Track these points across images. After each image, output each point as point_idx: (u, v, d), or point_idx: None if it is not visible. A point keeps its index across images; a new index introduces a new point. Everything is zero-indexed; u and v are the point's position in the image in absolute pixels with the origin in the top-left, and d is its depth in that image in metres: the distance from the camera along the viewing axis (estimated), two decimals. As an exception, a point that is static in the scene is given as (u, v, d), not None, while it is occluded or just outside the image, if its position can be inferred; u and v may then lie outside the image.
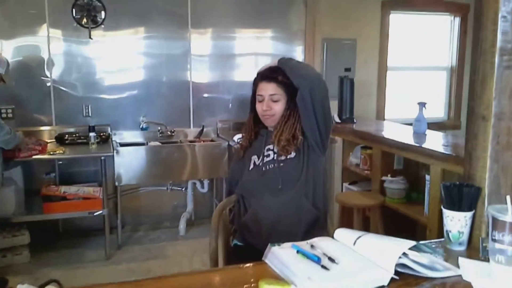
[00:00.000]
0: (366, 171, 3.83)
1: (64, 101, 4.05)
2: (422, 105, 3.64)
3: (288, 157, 1.95)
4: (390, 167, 3.61)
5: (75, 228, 4.13)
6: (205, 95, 4.45)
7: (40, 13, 3.88)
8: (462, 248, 1.45)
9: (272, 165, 1.96)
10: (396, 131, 3.91)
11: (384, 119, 5.00)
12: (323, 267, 1.23)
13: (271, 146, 2.01)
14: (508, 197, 1.23)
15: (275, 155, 1.97)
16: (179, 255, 3.79)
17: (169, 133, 4.27)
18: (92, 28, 4.00)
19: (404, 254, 1.26)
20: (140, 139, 4.22)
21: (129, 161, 3.78)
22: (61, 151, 3.53)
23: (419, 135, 3.58)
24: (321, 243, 1.40)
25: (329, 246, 1.37)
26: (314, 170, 1.95)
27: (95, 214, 3.63)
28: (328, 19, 4.71)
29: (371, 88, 5.00)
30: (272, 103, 2.00)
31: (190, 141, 4.26)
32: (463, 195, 1.41)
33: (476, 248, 1.42)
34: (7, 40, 3.85)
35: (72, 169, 4.09)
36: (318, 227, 1.93)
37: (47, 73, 3.98)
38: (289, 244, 1.40)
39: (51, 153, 3.49)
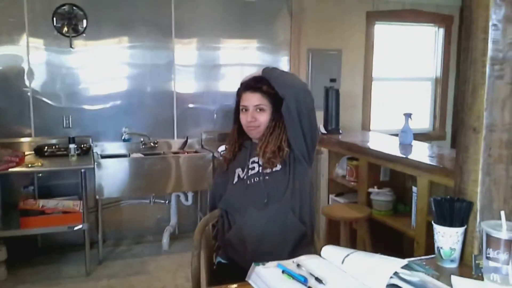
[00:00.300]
0: (352, 182, 3.78)
1: (44, 112, 3.93)
2: (408, 116, 3.62)
3: (273, 169, 1.88)
4: (377, 178, 3.57)
5: (54, 243, 3.99)
6: (190, 105, 4.38)
7: (19, 21, 3.78)
8: (454, 265, 1.39)
9: (257, 178, 1.89)
10: (382, 142, 3.88)
11: (369, 130, 4.97)
12: (310, 288, 1.17)
13: (255, 159, 1.94)
14: (502, 213, 1.18)
15: (260, 167, 1.90)
16: (162, 270, 3.68)
17: (152, 144, 4.18)
18: (73, 37, 3.91)
19: (395, 273, 1.20)
20: (122, 151, 4.12)
21: (110, 174, 3.68)
22: (39, 164, 3.41)
23: (405, 146, 3.54)
24: (307, 262, 1.33)
25: (316, 265, 1.30)
26: (301, 183, 1.88)
27: (75, 228, 3.50)
28: (313, 30, 4.69)
29: (357, 98, 4.97)
30: (257, 114, 1.93)
31: (174, 153, 4.17)
32: (454, 210, 1.36)
33: (468, 265, 1.37)
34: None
35: (52, 182, 3.96)
36: (305, 242, 1.86)
37: (27, 83, 3.87)
38: (274, 263, 1.33)
39: (29, 165, 3.37)
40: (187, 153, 4.14)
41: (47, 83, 3.94)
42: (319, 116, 4.32)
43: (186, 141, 4.30)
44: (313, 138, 1.90)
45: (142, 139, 4.16)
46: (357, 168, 3.67)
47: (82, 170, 3.51)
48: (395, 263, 1.18)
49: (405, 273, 1.27)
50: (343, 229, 3.19)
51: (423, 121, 5.40)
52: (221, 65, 4.44)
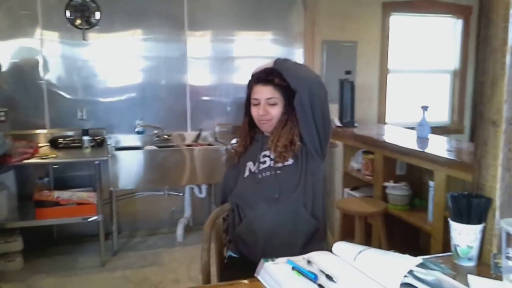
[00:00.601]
0: (367, 176, 3.72)
1: (59, 104, 3.96)
2: (424, 108, 3.54)
3: (285, 164, 1.84)
4: (393, 172, 3.51)
5: (70, 234, 4.03)
6: (203, 98, 4.36)
7: (33, 14, 3.80)
8: (472, 264, 1.34)
9: (269, 173, 1.85)
10: (398, 135, 3.81)
11: (385, 123, 4.90)
12: (320, 286, 1.13)
13: (267, 152, 1.90)
14: (522, 210, 1.13)
15: (272, 162, 1.87)
16: (176, 262, 3.68)
17: (165, 137, 4.18)
18: (86, 29, 3.91)
19: (410, 272, 1.16)
20: (136, 143, 4.13)
21: (124, 166, 3.68)
22: (53, 155, 3.43)
23: (422, 140, 3.47)
24: (318, 259, 1.30)
25: (327, 262, 1.27)
26: (313, 178, 1.84)
27: (89, 220, 3.52)
28: (328, 21, 4.61)
29: (372, 91, 4.90)
30: (269, 107, 1.88)
31: (187, 145, 4.16)
32: (472, 207, 1.31)
33: (487, 264, 1.32)
34: None
35: (67, 173, 3.99)
36: (317, 238, 1.82)
37: (41, 76, 3.89)
38: (284, 259, 1.30)
39: (43, 157, 3.38)
40: (201, 145, 4.13)
41: (62, 75, 3.95)
42: (334, 109, 4.32)
43: (200, 134, 4.29)
44: (326, 131, 1.86)
45: (155, 132, 4.16)
46: (372, 162, 3.62)
47: (96, 162, 3.52)
48: (410, 262, 1.14)
49: (420, 272, 1.23)
50: (357, 223, 3.14)
51: (441, 114, 5.30)
52: (234, 58, 4.40)
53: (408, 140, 3.47)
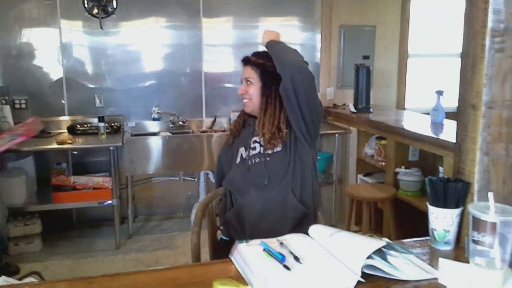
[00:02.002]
0: (380, 162, 3.69)
1: (77, 92, 4.06)
2: (439, 93, 3.47)
3: (274, 150, 1.85)
4: (405, 158, 3.46)
5: (89, 218, 4.17)
6: (218, 85, 4.39)
7: (52, 4, 3.89)
8: (449, 247, 1.33)
9: (258, 159, 1.87)
10: (414, 121, 3.75)
11: (404, 108, 4.82)
12: (285, 267, 1.15)
13: (257, 138, 1.92)
14: (490, 194, 1.12)
15: (262, 148, 1.89)
16: (189, 245, 3.68)
17: (181, 123, 4.23)
18: (103, 18, 3.98)
19: (379, 254, 1.16)
20: (152, 129, 4.20)
21: (139, 151, 3.76)
22: (70, 141, 3.53)
23: (436, 125, 3.40)
24: (291, 241, 1.32)
25: (299, 244, 1.29)
26: (302, 164, 1.85)
27: (104, 204, 3.63)
28: (345, 6, 4.54)
29: (391, 76, 4.82)
30: (247, 87, 1.94)
31: (202, 132, 4.21)
32: (448, 191, 1.30)
33: (464, 248, 1.31)
34: (20, 30, 3.88)
35: (85, 159, 4.11)
36: (306, 223, 1.82)
37: (60, 64, 3.99)
38: (258, 241, 1.33)
39: (60, 143, 3.50)
40: (215, 132, 4.16)
41: (80, 63, 4.05)
42: (350, 94, 4.28)
43: (215, 120, 4.33)
44: (314, 118, 1.83)
45: (171, 118, 4.23)
46: (385, 148, 3.58)
47: (111, 148, 3.61)
48: (374, 244, 1.14)
49: (393, 255, 1.23)
50: (365, 209, 3.13)
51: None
52: (249, 44, 4.38)
53: (422, 126, 3.41)
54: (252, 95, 1.92)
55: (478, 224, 1.10)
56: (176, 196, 4.41)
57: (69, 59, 4.02)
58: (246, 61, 1.96)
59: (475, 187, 1.31)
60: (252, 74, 1.92)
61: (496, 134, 1.28)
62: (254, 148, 1.90)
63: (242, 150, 1.94)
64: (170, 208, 4.40)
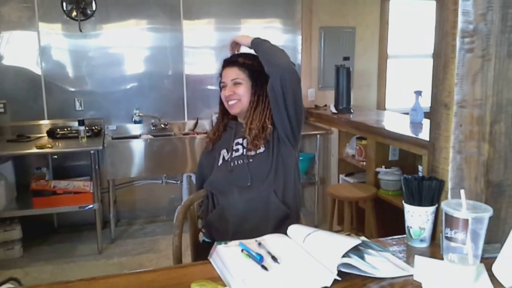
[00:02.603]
0: (361, 162, 3.73)
1: (56, 95, 4.02)
2: (418, 93, 3.52)
3: (257, 152, 1.85)
4: (385, 158, 3.50)
5: (70, 223, 4.12)
6: (200, 87, 4.38)
7: (30, 6, 3.85)
8: (424, 245, 1.36)
9: (241, 161, 1.87)
10: (394, 121, 3.79)
11: (385, 109, 4.87)
12: (263, 267, 1.16)
13: (240, 140, 1.92)
14: (462, 191, 1.14)
15: (244, 149, 1.88)
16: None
17: (162, 126, 4.22)
18: (82, 20, 3.95)
19: (356, 252, 1.18)
20: (134, 132, 4.18)
21: (120, 155, 3.74)
22: (49, 146, 3.50)
23: (415, 125, 3.46)
24: (269, 241, 1.33)
25: (277, 244, 1.30)
26: (285, 165, 1.86)
27: (85, 208, 3.60)
28: (325, 7, 4.59)
29: (371, 77, 4.87)
30: (235, 87, 1.88)
31: (185, 134, 4.20)
32: (423, 189, 1.32)
33: (439, 245, 1.33)
34: (-3, 34, 3.84)
35: (66, 163, 4.07)
36: (288, 224, 1.82)
37: (39, 67, 3.95)
38: (236, 242, 1.33)
39: (39, 147, 3.46)
40: (198, 134, 4.16)
41: (59, 67, 4.01)
42: (330, 95, 4.32)
43: (197, 123, 4.33)
44: (299, 119, 1.86)
45: (153, 121, 4.21)
46: (365, 148, 3.62)
47: (92, 152, 3.59)
48: (350, 243, 1.16)
49: (370, 253, 1.25)
50: (346, 208, 3.16)
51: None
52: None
53: (401, 126, 3.45)
54: (241, 95, 1.88)
55: (450, 221, 1.12)
56: (159, 199, 4.39)
57: (48, 62, 3.98)
58: (231, 62, 1.91)
59: (449, 184, 1.33)
60: (239, 74, 1.88)
61: (468, 132, 1.31)
62: (237, 150, 1.90)
63: (224, 152, 1.94)
64: (153, 211, 4.38)
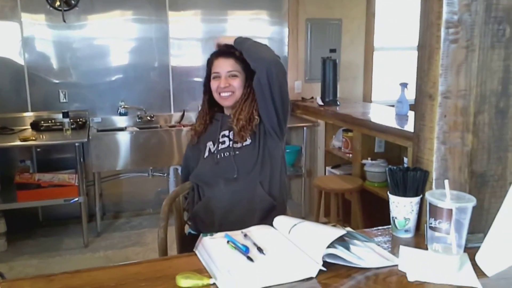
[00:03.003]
0: (348, 154, 3.75)
1: (40, 87, 3.96)
2: (404, 85, 3.54)
3: (244, 144, 1.85)
4: (371, 150, 3.52)
5: (56, 216, 4.08)
6: (186, 79, 4.35)
7: (12, -4, 3.78)
8: (409, 235, 1.37)
9: (227, 153, 1.86)
10: (380, 113, 3.81)
11: (371, 101, 4.89)
12: (249, 258, 1.16)
13: (226, 132, 1.91)
14: (446, 182, 1.15)
15: (231, 142, 1.88)
16: (159, 242, 3.72)
17: (148, 118, 4.19)
18: (65, 11, 3.89)
19: (342, 243, 1.19)
20: (119, 125, 4.14)
21: (105, 147, 3.71)
22: (33, 138, 3.45)
23: (401, 117, 3.47)
24: (255, 232, 1.33)
25: (263, 235, 1.30)
26: (271, 157, 1.86)
27: (71, 201, 3.57)
28: (312, -1, 4.58)
29: (358, 69, 4.88)
30: (231, 79, 1.87)
31: (171, 126, 4.18)
32: (407, 180, 1.33)
33: (424, 235, 1.34)
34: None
35: (50, 156, 4.02)
36: (274, 215, 1.82)
37: (22, 59, 3.88)
38: (222, 234, 1.33)
39: (23, 140, 3.41)
40: (184, 126, 4.13)
41: (42, 58, 3.95)
42: (317, 87, 4.32)
43: (183, 115, 4.30)
44: (285, 112, 1.87)
45: (138, 113, 4.17)
46: (352, 140, 3.63)
47: (77, 144, 3.54)
48: (335, 233, 1.16)
49: (356, 244, 1.26)
50: (333, 200, 3.17)
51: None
52: (216, 38, 4.35)
53: (387, 118, 3.47)
54: (236, 88, 1.88)
55: (435, 211, 1.13)
56: (145, 192, 4.36)
57: (32, 54, 3.91)
58: (228, 53, 1.89)
59: (433, 175, 1.34)
60: (236, 66, 1.88)
61: (452, 123, 1.31)
62: (223, 142, 1.89)
63: (210, 145, 1.93)
64: (139, 204, 4.35)
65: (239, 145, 1.85)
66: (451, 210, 1.10)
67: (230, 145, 1.87)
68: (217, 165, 1.87)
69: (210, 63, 1.95)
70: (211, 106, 1.99)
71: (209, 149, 1.93)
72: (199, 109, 2.08)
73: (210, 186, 1.87)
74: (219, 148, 1.89)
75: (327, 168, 4.03)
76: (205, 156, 1.93)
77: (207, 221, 1.84)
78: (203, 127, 1.98)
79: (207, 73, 1.97)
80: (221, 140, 1.91)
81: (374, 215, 3.42)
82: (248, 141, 1.85)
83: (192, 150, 2.03)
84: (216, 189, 1.85)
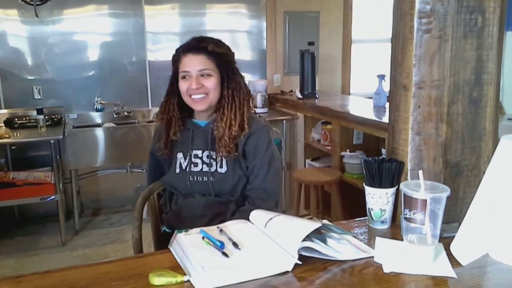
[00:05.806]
0: (327, 146, 3.75)
1: (13, 84, 3.87)
2: (381, 77, 3.55)
3: (219, 171, 1.70)
4: (350, 142, 3.53)
5: (32, 215, 4.01)
6: (164, 73, 4.26)
7: (-19, -10, 3.68)
8: (385, 226, 1.37)
9: (202, 178, 1.71)
10: (358, 105, 3.82)
11: (349, 94, 4.90)
12: (224, 253, 1.14)
13: (198, 152, 1.72)
14: (420, 172, 1.15)
15: (204, 165, 1.71)
16: (138, 238, 3.68)
17: (126, 113, 4.13)
18: (38, 5, 3.80)
19: (319, 236, 1.18)
20: (95, 121, 4.07)
21: (82, 144, 3.65)
22: (7, 136, 3.37)
23: (379, 109, 3.49)
24: (231, 228, 1.31)
25: (239, 230, 1.28)
26: (241, 171, 1.73)
27: (47, 200, 3.50)
28: (290, -9, 4.56)
29: (336, 61, 4.88)
30: (203, 79, 1.64)
31: (149, 122, 4.12)
32: (383, 171, 1.32)
33: (400, 226, 1.34)
34: None
35: (25, 154, 3.93)
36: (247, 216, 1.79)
37: (-7, 55, 3.79)
38: (197, 229, 1.31)
39: (-3, 138, 3.34)
40: (162, 121, 4.08)
41: (15, 53, 3.86)
42: (295, 80, 4.31)
43: (161, 110, 4.24)
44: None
45: (115, 109, 4.11)
46: (330, 132, 3.64)
47: (52, 141, 3.48)
48: (310, 226, 1.15)
49: (333, 237, 1.25)
50: (312, 193, 3.18)
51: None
52: (195, 32, 4.29)
53: (365, 110, 3.48)
54: (210, 89, 1.65)
55: (409, 202, 1.12)
56: (124, 188, 4.30)
57: (4, 49, 3.82)
58: (198, 48, 1.65)
59: (408, 166, 1.34)
60: (208, 64, 1.65)
61: (426, 113, 1.31)
62: (196, 164, 1.72)
63: (181, 159, 1.75)
64: (118, 201, 4.29)
65: (213, 168, 1.70)
66: (425, 200, 1.10)
67: (204, 169, 1.71)
68: (191, 187, 1.73)
69: (176, 60, 1.72)
70: (182, 110, 1.75)
71: (180, 164, 1.75)
72: (163, 115, 1.78)
73: (183, 196, 1.78)
74: (192, 170, 1.72)
75: (306, 160, 4.03)
76: (176, 171, 1.76)
77: (177, 226, 1.78)
78: (175, 135, 1.74)
79: (173, 72, 1.76)
80: (193, 160, 1.73)
81: (354, 206, 3.42)
82: (224, 169, 1.70)
83: (159, 152, 1.81)
84: (189, 199, 1.75)
